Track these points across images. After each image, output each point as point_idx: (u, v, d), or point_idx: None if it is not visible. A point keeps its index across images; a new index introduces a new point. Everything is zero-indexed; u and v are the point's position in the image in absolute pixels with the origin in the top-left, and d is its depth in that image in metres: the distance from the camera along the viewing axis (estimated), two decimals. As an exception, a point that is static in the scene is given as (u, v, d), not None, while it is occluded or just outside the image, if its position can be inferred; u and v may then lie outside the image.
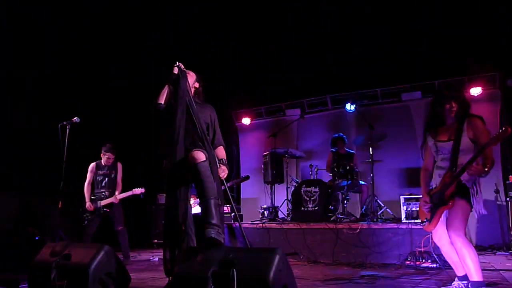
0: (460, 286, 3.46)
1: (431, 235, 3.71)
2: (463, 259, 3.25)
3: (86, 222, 6.23)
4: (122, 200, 6.38)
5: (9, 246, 5.49)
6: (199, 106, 3.96)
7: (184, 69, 3.98)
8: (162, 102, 3.92)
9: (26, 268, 3.47)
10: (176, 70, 3.92)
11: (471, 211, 3.34)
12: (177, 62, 3.96)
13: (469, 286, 3.32)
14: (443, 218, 3.46)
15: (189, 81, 3.99)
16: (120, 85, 8.59)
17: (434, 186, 3.58)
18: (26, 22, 7.06)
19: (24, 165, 7.17)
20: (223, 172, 3.89)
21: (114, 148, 6.46)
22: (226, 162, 4.00)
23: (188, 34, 8.53)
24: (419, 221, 5.59)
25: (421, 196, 3.72)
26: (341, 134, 7.91)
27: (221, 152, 4.04)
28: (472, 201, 3.31)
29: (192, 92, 4.04)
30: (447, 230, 3.35)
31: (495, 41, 7.33)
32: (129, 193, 6.39)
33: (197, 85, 4.17)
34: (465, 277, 3.42)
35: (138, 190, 6.43)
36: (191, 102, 3.85)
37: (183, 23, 8.38)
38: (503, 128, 3.03)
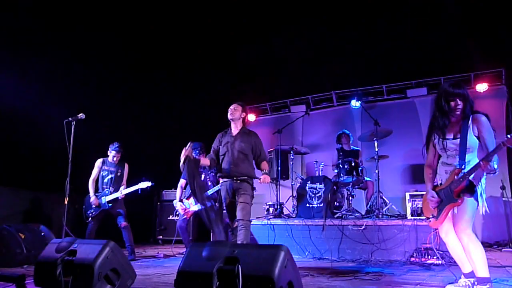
0: (467, 283, 3.43)
1: (437, 232, 3.69)
2: (470, 255, 3.23)
3: (90, 218, 6.27)
4: (125, 196, 6.39)
5: (15, 241, 5.51)
6: (246, 136, 4.95)
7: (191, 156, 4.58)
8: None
9: (32, 264, 3.49)
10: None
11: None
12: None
13: (476, 282, 3.31)
14: (449, 214, 3.44)
15: (236, 114, 4.97)
16: (125, 80, 8.60)
17: (439, 182, 3.55)
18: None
19: (30, 161, 7.18)
20: (266, 179, 4.89)
21: (121, 147, 6.48)
22: (268, 172, 4.99)
23: (193, 28, 8.51)
24: (425, 217, 5.58)
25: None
26: (345, 130, 7.88)
27: (264, 165, 4.98)
28: (479, 199, 3.30)
29: (241, 122, 5.02)
30: (454, 226, 3.34)
31: (500, 37, 7.28)
32: (135, 187, 6.39)
33: (243, 115, 5.05)
34: (471, 274, 3.40)
35: (145, 184, 6.43)
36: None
37: (187, 16, 8.36)
38: None
